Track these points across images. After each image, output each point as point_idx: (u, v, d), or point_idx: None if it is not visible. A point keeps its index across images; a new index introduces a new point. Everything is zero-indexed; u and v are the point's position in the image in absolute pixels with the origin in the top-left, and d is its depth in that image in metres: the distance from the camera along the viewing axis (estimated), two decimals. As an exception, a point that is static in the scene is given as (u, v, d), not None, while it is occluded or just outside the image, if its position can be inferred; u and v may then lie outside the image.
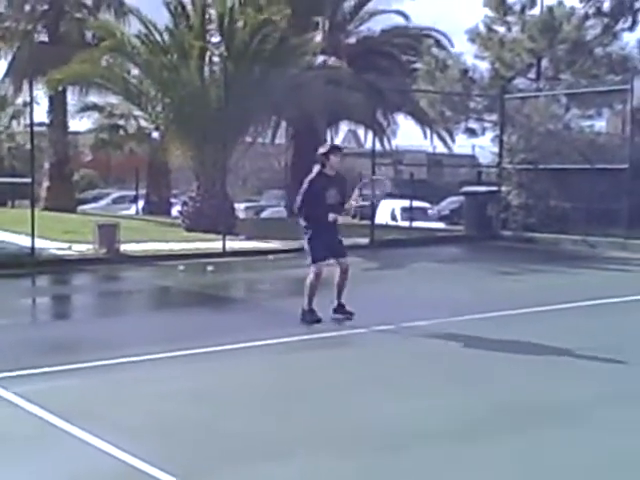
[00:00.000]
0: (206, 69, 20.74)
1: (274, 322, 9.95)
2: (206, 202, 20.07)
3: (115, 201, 33.94)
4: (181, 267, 14.62)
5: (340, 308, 9.89)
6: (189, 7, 20.46)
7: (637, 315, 10.70)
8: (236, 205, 22.29)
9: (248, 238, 18.62)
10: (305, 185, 9.70)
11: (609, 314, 10.62)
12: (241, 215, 24.10)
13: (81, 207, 28.10)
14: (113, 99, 24.52)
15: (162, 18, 20.37)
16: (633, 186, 18.57)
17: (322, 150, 9.94)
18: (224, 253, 16.61)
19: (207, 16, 20.53)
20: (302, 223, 9.81)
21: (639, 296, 11.87)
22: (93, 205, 32.03)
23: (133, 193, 31.04)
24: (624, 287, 12.99)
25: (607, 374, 7.58)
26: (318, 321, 9.55)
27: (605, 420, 6.18)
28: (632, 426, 6.07)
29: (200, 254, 16.33)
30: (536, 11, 26.05)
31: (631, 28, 25.37)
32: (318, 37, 22.78)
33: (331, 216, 9.70)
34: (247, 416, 6.20)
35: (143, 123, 25.20)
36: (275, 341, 8.62)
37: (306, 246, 9.81)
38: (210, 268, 14.63)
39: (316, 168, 9.80)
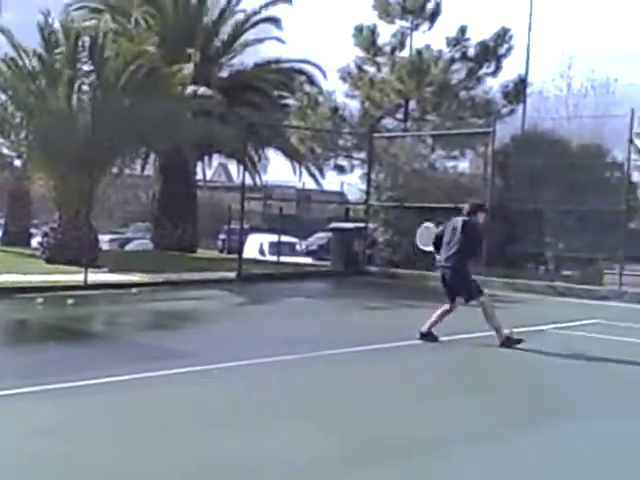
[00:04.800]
0: (75, 97, 20.28)
1: (135, 357, 9.67)
2: (68, 233, 19.51)
3: (-29, 231, 32.45)
4: (40, 300, 14.05)
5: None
6: (61, 33, 19.98)
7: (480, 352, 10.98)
8: (100, 237, 21.74)
9: (112, 271, 18.18)
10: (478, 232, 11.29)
11: (462, 348, 10.87)
12: (105, 247, 23.53)
13: None
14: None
15: (32, 42, 19.85)
16: (493, 225, 19.20)
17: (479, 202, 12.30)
18: (86, 286, 16.12)
19: (80, 43, 20.11)
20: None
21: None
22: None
23: (-10, 223, 29.78)
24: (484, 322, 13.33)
25: (462, 410, 7.71)
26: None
27: (460, 454, 6.26)
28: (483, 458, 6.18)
29: (61, 287, 15.80)
30: (405, 53, 26.74)
31: (494, 73, 26.32)
32: (189, 69, 22.60)
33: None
34: (108, 452, 5.98)
35: (4, 150, 24.31)
36: (136, 376, 8.36)
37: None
38: (71, 301, 14.12)
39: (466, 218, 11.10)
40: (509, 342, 10.75)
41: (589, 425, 7.31)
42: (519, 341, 10.80)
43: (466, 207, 11.33)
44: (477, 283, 11.31)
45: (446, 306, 11.20)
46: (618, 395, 8.60)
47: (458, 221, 11.11)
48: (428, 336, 11.03)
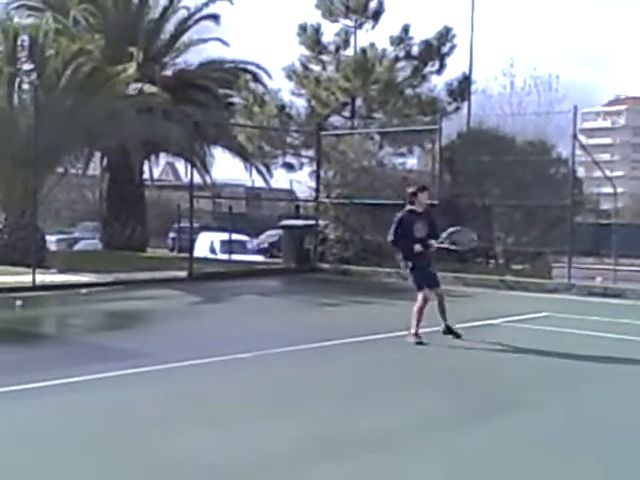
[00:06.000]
0: (15, 96, 19.95)
1: (85, 358, 9.55)
2: (14, 234, 19.24)
3: None
4: (-13, 302, 13.82)
5: (448, 330, 11.13)
6: (-1, 32, 19.68)
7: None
8: (48, 237, 21.43)
9: (60, 271, 17.92)
10: (396, 221, 11.02)
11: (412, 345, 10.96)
12: (53, 247, 23.19)
13: None
14: None
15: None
16: (442, 221, 19.31)
17: (411, 190, 11.34)
18: (34, 287, 15.87)
19: (19, 42, 19.78)
20: (400, 257, 11.51)
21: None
22: None
23: None
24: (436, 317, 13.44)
25: (416, 403, 7.77)
26: (421, 343, 10.59)
27: (414, 447, 6.31)
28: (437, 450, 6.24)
29: (8, 288, 15.53)
30: (350, 52, 26.83)
31: (439, 71, 26.57)
32: (132, 67, 22.37)
33: (416, 247, 10.90)
34: (63, 455, 5.91)
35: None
36: (87, 377, 8.27)
37: (410, 277, 11.11)
38: (19, 303, 13.86)
39: (407, 206, 11.16)
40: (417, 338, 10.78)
41: (535, 416, 7.40)
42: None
43: (410, 190, 11.44)
44: (419, 277, 11.06)
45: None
46: (567, 387, 8.73)
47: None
48: (447, 331, 11.15)
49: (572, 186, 18.53)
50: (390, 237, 11.15)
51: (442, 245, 11.33)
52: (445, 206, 19.55)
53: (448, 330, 11.17)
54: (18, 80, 20.01)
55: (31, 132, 18.08)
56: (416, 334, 10.73)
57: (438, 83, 26.57)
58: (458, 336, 11.11)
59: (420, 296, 10.85)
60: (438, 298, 11.05)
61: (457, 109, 26.34)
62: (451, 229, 11.58)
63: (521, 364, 9.90)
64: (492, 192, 19.78)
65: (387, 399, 7.87)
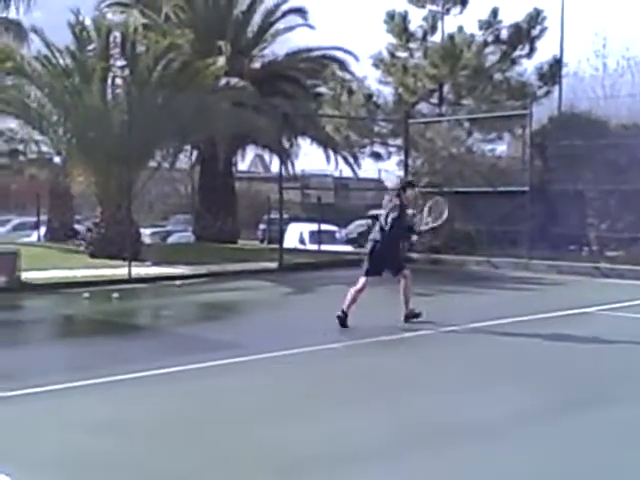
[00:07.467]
0: (109, 93, 20.46)
1: (181, 349, 9.77)
2: (111, 228, 19.72)
3: (16, 228, 32.95)
4: (86, 295, 14.24)
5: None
6: (92, 30, 20.16)
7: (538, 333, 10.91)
8: (142, 230, 21.92)
9: (155, 264, 18.33)
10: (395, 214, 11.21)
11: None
12: (147, 240, 23.72)
13: (-21, 235, 27.20)
14: (13, 123, 23.87)
15: (65, 40, 20.05)
16: (534, 208, 19.08)
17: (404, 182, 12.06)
18: (130, 280, 16.29)
19: (111, 39, 20.27)
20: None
21: (542, 314, 12.15)
22: (-7, 232, 31.09)
23: (34, 219, 30.21)
24: (529, 305, 13.27)
25: (520, 393, 7.69)
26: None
27: (513, 437, 6.26)
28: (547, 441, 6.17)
29: (105, 281, 16.00)
30: (437, 38, 26.53)
31: (529, 55, 26.02)
32: (222, 61, 22.67)
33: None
34: (159, 444, 6.05)
35: (44, 148, 24.58)
36: (180, 368, 8.45)
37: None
38: (116, 295, 14.28)
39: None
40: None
41: (632, 409, 7.25)
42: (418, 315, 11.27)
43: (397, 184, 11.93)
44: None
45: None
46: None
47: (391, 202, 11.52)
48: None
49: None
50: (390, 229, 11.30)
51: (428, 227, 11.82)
52: (536, 192, 19.24)
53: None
54: (111, 77, 20.48)
55: (124, 128, 18.59)
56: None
57: (528, 67, 26.01)
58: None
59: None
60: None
61: (548, 93, 25.76)
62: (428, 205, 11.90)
63: (617, 354, 9.69)
64: (585, 177, 19.34)
65: (478, 389, 7.81)
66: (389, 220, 11.11)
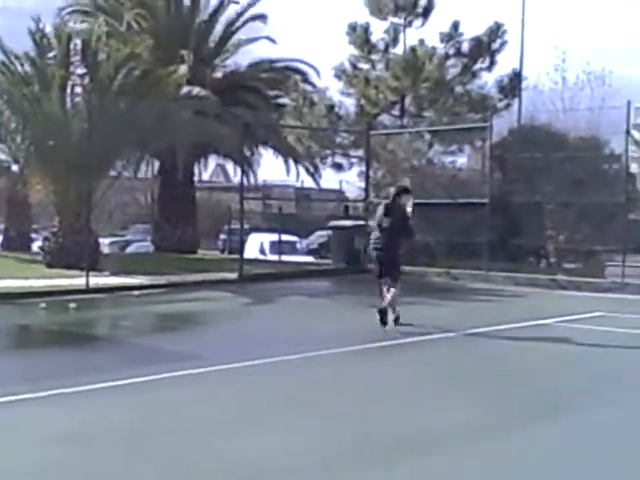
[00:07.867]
0: (69, 101, 20.27)
1: (140, 360, 9.66)
2: (69, 237, 19.49)
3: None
4: (42, 305, 14.04)
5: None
6: (53, 37, 19.96)
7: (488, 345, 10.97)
8: (101, 240, 21.71)
9: (113, 274, 18.15)
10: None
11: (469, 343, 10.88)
12: (106, 250, 23.49)
13: None
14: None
15: (24, 47, 19.83)
16: (493, 219, 19.22)
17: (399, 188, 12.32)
18: (88, 290, 16.10)
19: (72, 47, 20.08)
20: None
21: (500, 326, 12.22)
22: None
23: (-10, 228, 29.75)
24: (487, 317, 13.35)
25: (472, 404, 7.72)
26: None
27: (466, 449, 6.27)
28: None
29: (62, 291, 15.77)
30: (399, 50, 26.72)
31: (489, 68, 26.33)
32: (183, 69, 22.59)
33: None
34: (117, 455, 5.97)
35: (2, 156, 24.29)
36: (138, 380, 8.35)
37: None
38: (73, 305, 14.09)
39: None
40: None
41: (586, 419, 7.29)
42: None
43: (392, 190, 12.13)
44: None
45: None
46: (621, 389, 8.59)
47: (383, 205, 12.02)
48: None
49: (626, 183, 18.24)
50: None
51: None
52: (496, 204, 19.40)
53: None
54: (71, 84, 20.28)
55: (84, 136, 18.39)
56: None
57: (489, 80, 26.35)
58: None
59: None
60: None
61: (508, 106, 26.08)
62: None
63: (573, 365, 9.77)
64: (544, 189, 19.55)
65: (436, 398, 7.82)
66: (391, 224, 11.35)
